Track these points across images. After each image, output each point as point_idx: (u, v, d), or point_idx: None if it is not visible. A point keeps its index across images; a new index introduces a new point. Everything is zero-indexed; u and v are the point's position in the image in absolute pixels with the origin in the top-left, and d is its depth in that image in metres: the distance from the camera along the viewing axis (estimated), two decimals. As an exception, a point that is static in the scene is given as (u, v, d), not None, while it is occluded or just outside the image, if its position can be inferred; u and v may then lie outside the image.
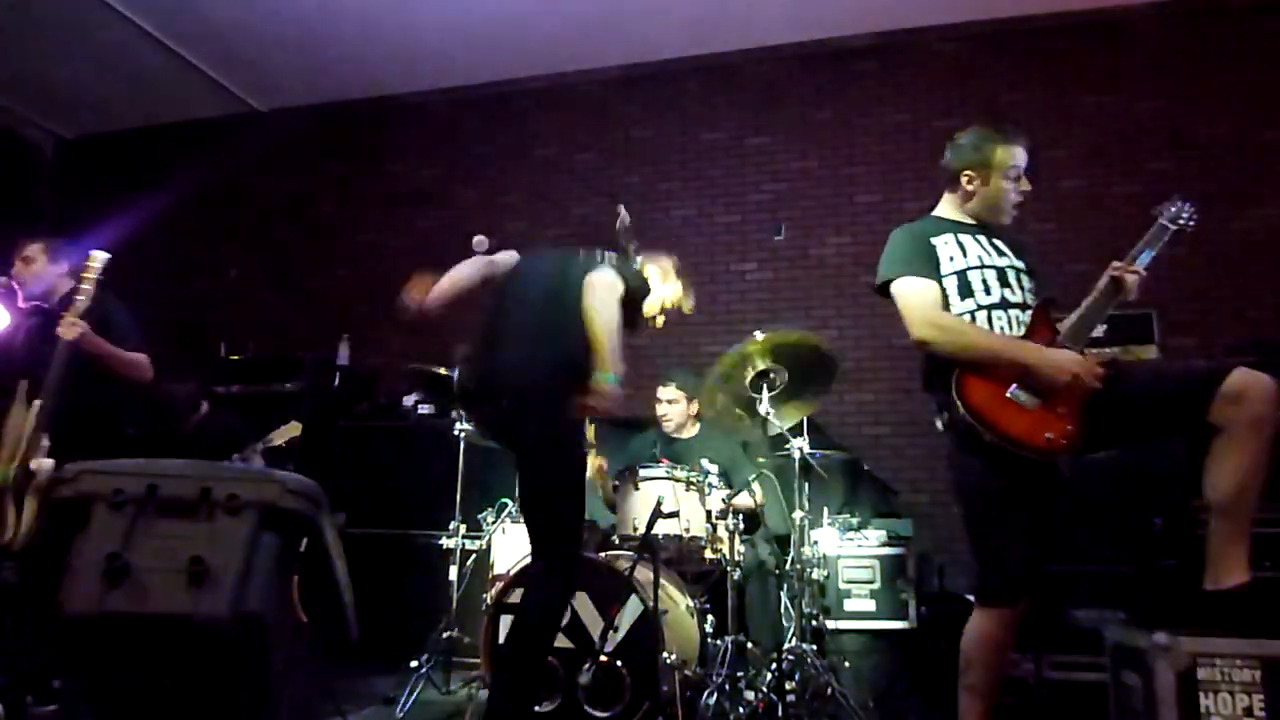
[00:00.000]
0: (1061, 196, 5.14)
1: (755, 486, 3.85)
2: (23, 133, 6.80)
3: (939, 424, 2.51)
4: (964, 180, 2.65)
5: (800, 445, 3.68)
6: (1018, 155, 2.60)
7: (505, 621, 3.15)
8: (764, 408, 3.52)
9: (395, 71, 6.13)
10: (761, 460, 4.08)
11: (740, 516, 3.61)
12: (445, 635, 3.68)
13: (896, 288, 2.54)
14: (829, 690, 3.37)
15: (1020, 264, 2.56)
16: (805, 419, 3.95)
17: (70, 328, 3.33)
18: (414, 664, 3.61)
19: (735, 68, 5.88)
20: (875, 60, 5.66)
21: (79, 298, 3.40)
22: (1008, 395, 2.33)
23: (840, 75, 5.71)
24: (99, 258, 3.48)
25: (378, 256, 6.24)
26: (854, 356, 5.33)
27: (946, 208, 2.73)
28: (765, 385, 3.57)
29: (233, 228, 6.70)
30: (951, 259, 2.54)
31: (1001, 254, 2.56)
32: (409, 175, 6.40)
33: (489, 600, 3.36)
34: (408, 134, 6.45)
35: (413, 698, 3.50)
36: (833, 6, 5.37)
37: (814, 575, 3.80)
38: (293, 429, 3.92)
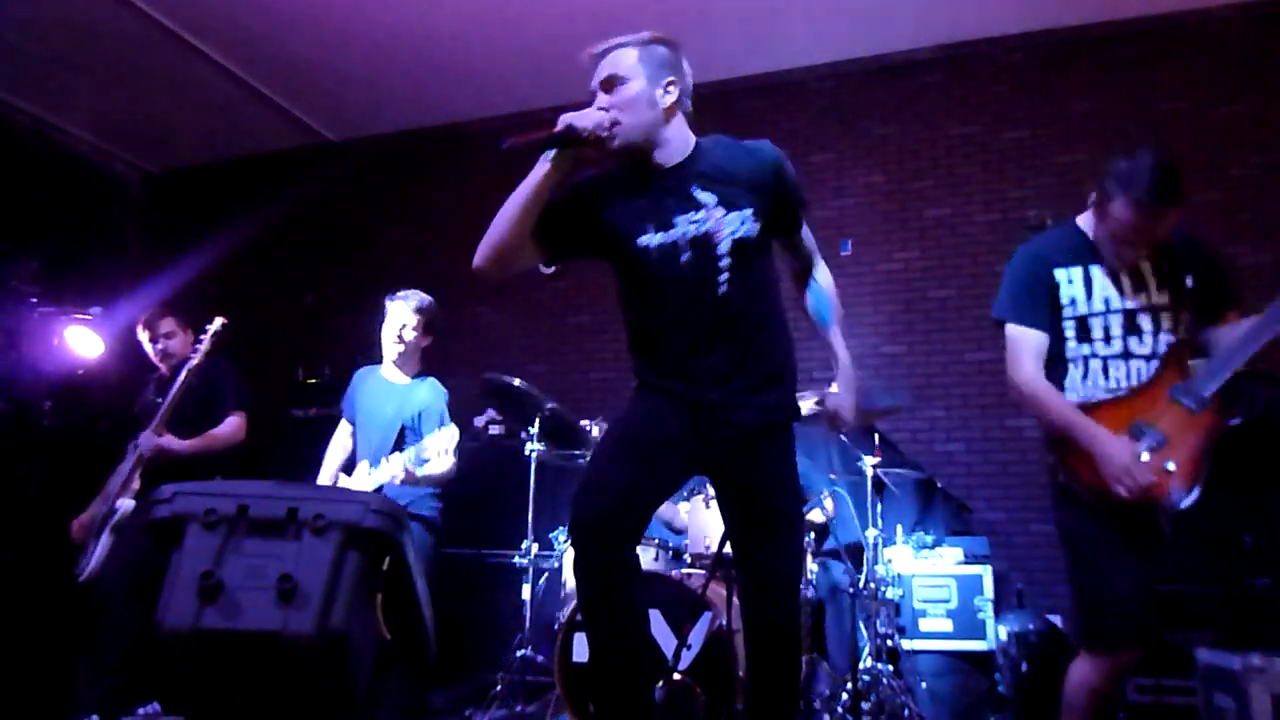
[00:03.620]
0: (1138, 205, 5.00)
1: (826, 502, 3.82)
2: (110, 168, 7.11)
3: (1047, 461, 2.41)
4: (1092, 208, 2.37)
5: (872, 462, 3.65)
6: (1143, 222, 2.25)
7: (578, 640, 3.18)
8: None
9: (464, 98, 6.26)
10: (832, 476, 4.05)
11: (811, 532, 3.59)
12: (520, 654, 3.72)
13: (1006, 331, 2.44)
14: (905, 711, 3.32)
15: (1163, 299, 2.32)
16: (876, 436, 3.92)
17: (149, 442, 3.57)
18: (490, 682, 3.65)
19: (798, 84, 5.88)
20: (941, 72, 5.61)
21: (190, 363, 3.67)
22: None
23: (906, 88, 5.66)
24: (217, 324, 3.72)
25: (446, 280, 6.35)
26: (924, 372, 5.26)
27: (1088, 218, 2.43)
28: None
29: (308, 255, 6.90)
30: (1073, 301, 2.36)
31: (1139, 289, 2.33)
32: (477, 200, 6.51)
33: (562, 619, 3.39)
34: (477, 159, 6.58)
35: (487, 714, 3.55)
36: (896, 19, 5.33)
37: (889, 594, 3.75)
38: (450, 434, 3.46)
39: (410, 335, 3.65)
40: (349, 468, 3.62)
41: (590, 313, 5.94)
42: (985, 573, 4.09)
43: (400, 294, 3.73)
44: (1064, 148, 5.18)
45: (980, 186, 5.35)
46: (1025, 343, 2.38)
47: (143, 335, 3.89)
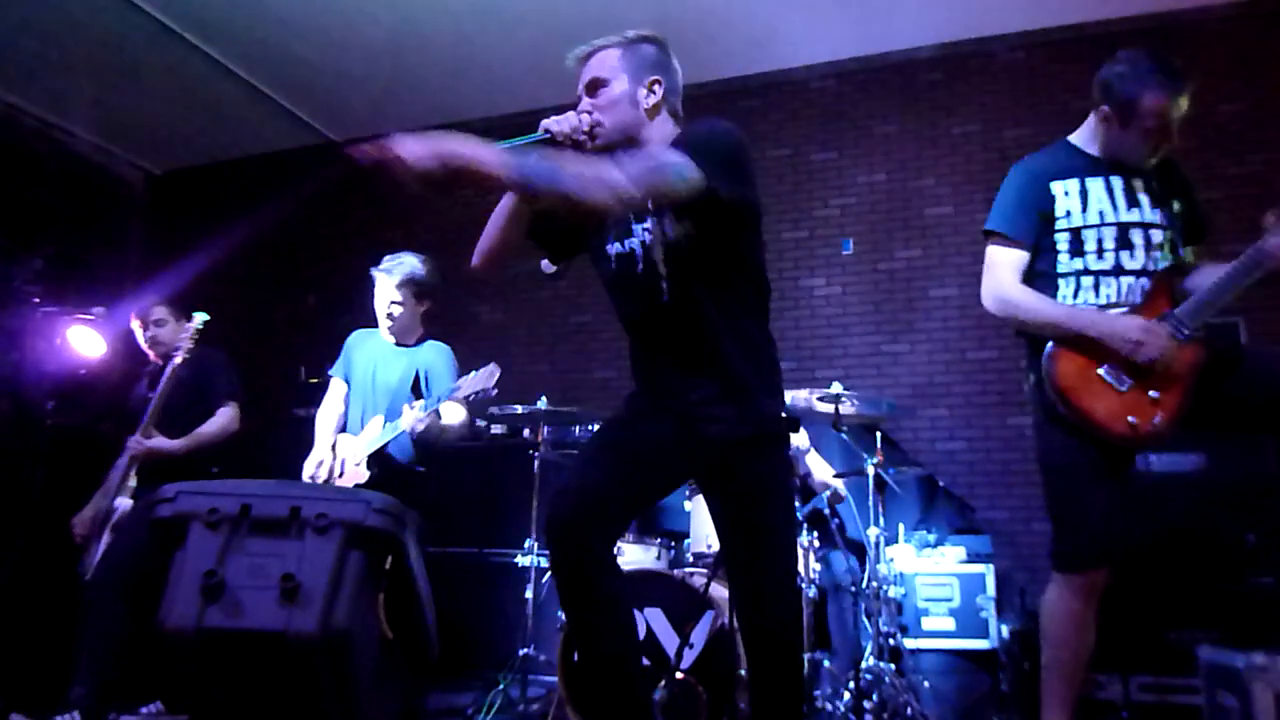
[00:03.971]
0: (1140, 203, 5.01)
1: (838, 484, 3.83)
2: (114, 168, 7.12)
3: (1025, 386, 2.43)
4: (1099, 115, 2.40)
5: (874, 461, 3.65)
6: (1172, 108, 2.33)
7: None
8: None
9: (465, 97, 6.27)
10: (835, 476, 4.05)
11: (834, 519, 3.60)
12: (522, 653, 3.72)
13: (988, 246, 2.46)
14: (908, 710, 3.32)
15: (1154, 217, 2.36)
16: (879, 434, 3.92)
17: (138, 446, 3.58)
18: (492, 681, 3.66)
19: (799, 83, 5.88)
20: (942, 71, 5.61)
21: (175, 359, 3.67)
22: (1099, 372, 2.25)
23: (907, 87, 5.66)
24: (199, 319, 3.74)
25: (448, 280, 6.36)
26: (926, 371, 5.26)
27: (1084, 135, 2.48)
28: (836, 405, 3.55)
29: (310, 255, 6.91)
30: (1069, 213, 2.38)
31: (1133, 204, 2.37)
32: (477, 200, 6.52)
33: (564, 618, 3.39)
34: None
35: (490, 714, 3.55)
36: (897, 18, 5.33)
37: (891, 593, 3.75)
38: (487, 375, 3.34)
39: (399, 311, 3.60)
40: (343, 429, 3.61)
41: (593, 312, 5.94)
42: (988, 571, 4.09)
43: (384, 263, 3.63)
44: (1066, 146, 5.17)
45: (982, 185, 5.35)
46: (1007, 258, 2.41)
47: (135, 324, 3.90)
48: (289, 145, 6.98)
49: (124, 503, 3.58)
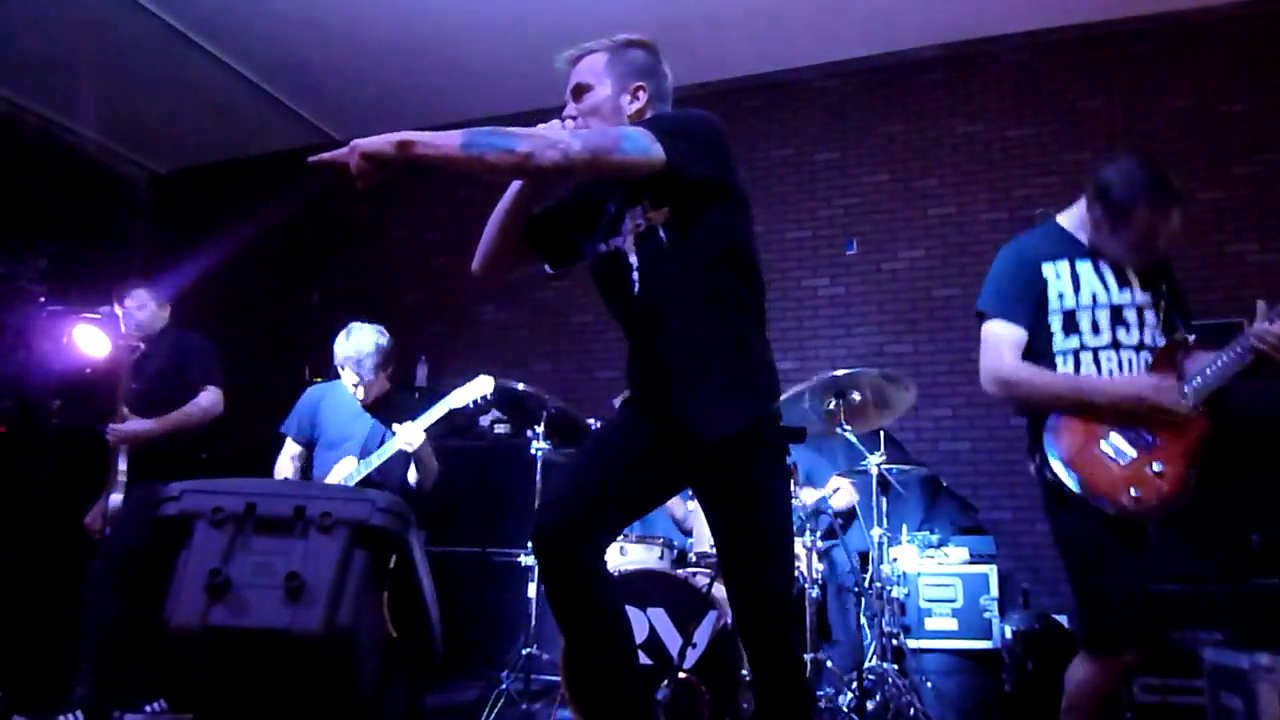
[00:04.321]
0: (1143, 204, 5.01)
1: (847, 485, 3.82)
2: (118, 168, 7.14)
3: (1031, 468, 2.40)
4: (1092, 216, 2.37)
5: (877, 461, 3.65)
6: (1163, 225, 2.28)
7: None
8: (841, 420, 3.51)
9: (470, 97, 6.27)
10: (839, 476, 4.06)
11: (836, 519, 3.59)
12: (525, 652, 3.73)
13: (984, 328, 2.43)
14: (910, 710, 3.32)
15: (1145, 298, 2.35)
16: (882, 434, 3.92)
17: (114, 434, 3.56)
18: (495, 680, 3.66)
19: (803, 83, 5.88)
20: (945, 71, 5.61)
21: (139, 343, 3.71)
22: (1101, 447, 2.22)
23: (910, 87, 5.66)
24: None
25: (451, 279, 6.39)
26: (930, 371, 5.26)
27: (1073, 220, 2.46)
28: (843, 403, 3.55)
29: (315, 254, 6.92)
30: (1061, 295, 2.36)
31: (1124, 286, 2.35)
32: (483, 199, 6.52)
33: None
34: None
35: (493, 713, 3.55)
36: (900, 18, 5.33)
37: (894, 593, 3.75)
38: (480, 385, 3.44)
39: (363, 394, 3.61)
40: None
41: (595, 311, 5.93)
42: (991, 572, 4.09)
43: (340, 354, 3.57)
44: (1069, 146, 5.17)
45: (985, 185, 5.35)
46: (1005, 337, 2.37)
47: (117, 309, 3.88)
48: (293, 145, 6.98)
49: (117, 497, 3.58)
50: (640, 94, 2.11)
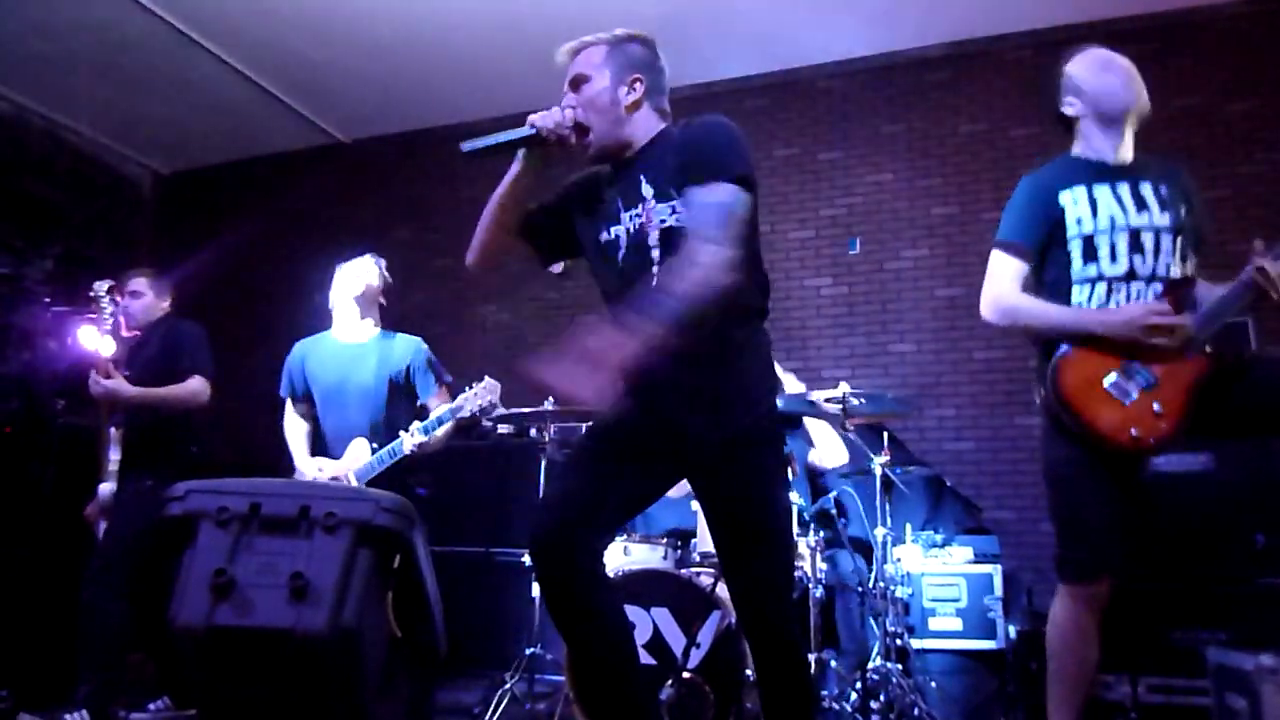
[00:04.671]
0: (1148, 203, 5.01)
1: (838, 442, 3.82)
2: (122, 169, 7.16)
3: (1036, 397, 2.43)
4: (1082, 120, 2.46)
5: (881, 460, 3.65)
6: (1105, 78, 2.41)
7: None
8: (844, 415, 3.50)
9: (472, 98, 6.28)
10: (842, 476, 4.05)
11: (822, 533, 3.59)
12: (529, 651, 3.73)
13: (991, 256, 2.48)
14: (915, 710, 3.32)
15: (1164, 220, 2.34)
16: (886, 434, 3.91)
17: (97, 386, 3.49)
18: (499, 680, 3.66)
19: (806, 83, 5.88)
20: (948, 70, 5.60)
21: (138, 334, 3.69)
22: (1105, 385, 2.25)
23: (913, 87, 5.66)
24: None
25: (456, 279, 6.40)
26: (933, 371, 5.26)
27: (1081, 145, 2.51)
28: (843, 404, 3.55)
29: (318, 254, 6.90)
30: (1079, 220, 2.37)
31: (1142, 208, 2.35)
32: (485, 199, 6.53)
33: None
34: (485, 159, 6.59)
35: (497, 712, 3.56)
36: (904, 18, 5.33)
37: (898, 593, 3.75)
38: (488, 390, 3.38)
39: (375, 285, 3.65)
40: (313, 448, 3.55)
41: (598, 312, 5.94)
42: (995, 572, 4.08)
43: (347, 290, 3.67)
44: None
45: (989, 184, 5.34)
46: (1007, 268, 2.43)
47: (118, 298, 3.82)
48: (296, 145, 7.00)
49: (106, 489, 3.57)
50: (637, 85, 2.16)
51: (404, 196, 6.82)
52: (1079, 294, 2.37)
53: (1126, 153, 2.44)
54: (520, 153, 2.18)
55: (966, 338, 5.20)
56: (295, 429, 3.61)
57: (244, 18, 5.38)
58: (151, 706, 3.64)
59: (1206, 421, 2.25)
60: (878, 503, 3.64)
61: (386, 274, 3.72)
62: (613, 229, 2.10)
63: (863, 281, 5.57)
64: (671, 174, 2.03)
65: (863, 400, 3.68)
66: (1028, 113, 5.34)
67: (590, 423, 2.19)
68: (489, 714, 3.55)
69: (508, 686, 3.65)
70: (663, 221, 2.02)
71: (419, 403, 3.54)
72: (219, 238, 6.61)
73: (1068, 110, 2.48)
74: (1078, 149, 2.51)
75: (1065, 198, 2.40)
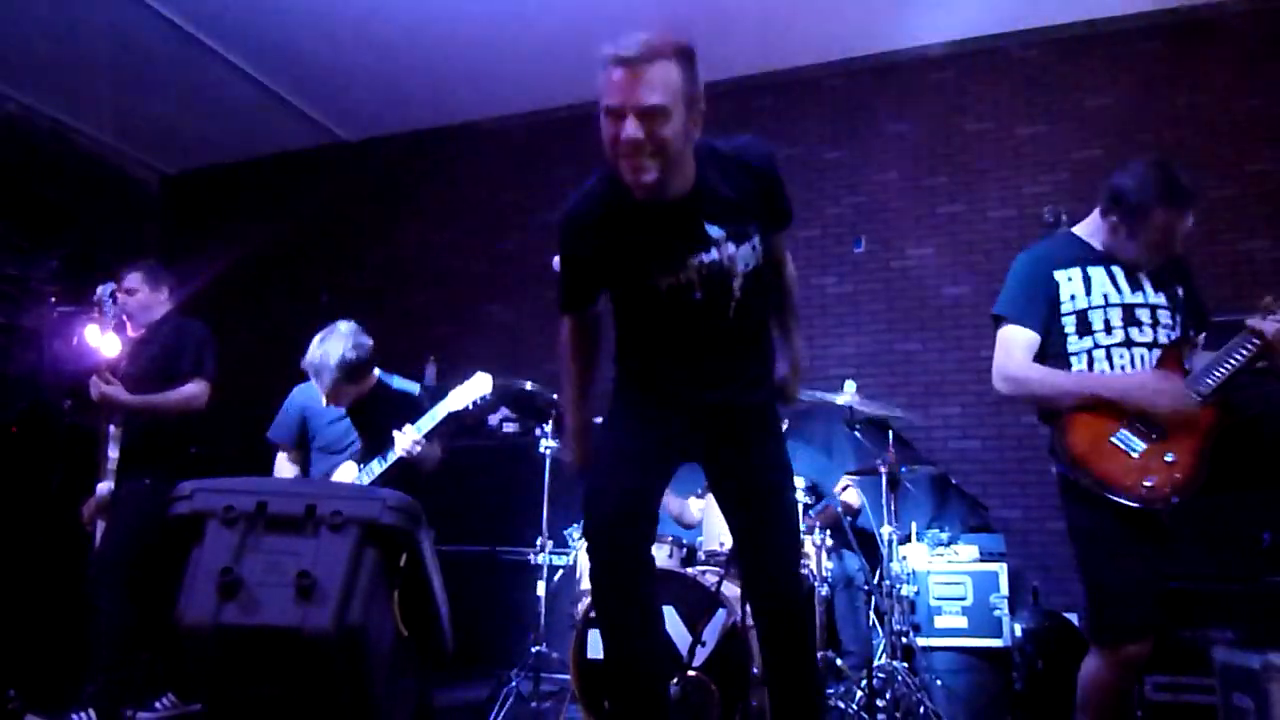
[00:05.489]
0: (1154, 201, 4.99)
1: (849, 493, 3.82)
2: (128, 170, 7.17)
3: (1053, 470, 2.43)
4: (1107, 222, 2.43)
5: (887, 459, 3.64)
6: (1179, 224, 2.34)
7: (592, 636, 3.19)
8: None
9: (478, 97, 6.28)
10: (849, 474, 4.05)
11: (827, 530, 3.59)
12: (534, 650, 3.73)
13: (999, 332, 2.50)
14: (921, 709, 3.32)
15: (1160, 299, 2.39)
16: (891, 433, 3.91)
17: (96, 387, 3.49)
18: (505, 678, 3.67)
19: (811, 82, 5.87)
20: (955, 69, 5.59)
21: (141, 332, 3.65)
22: (1112, 440, 2.26)
23: (918, 85, 5.65)
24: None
25: (460, 279, 6.40)
26: (939, 369, 5.25)
27: (1088, 228, 2.53)
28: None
29: (324, 254, 6.94)
30: (1073, 297, 2.42)
31: (1136, 289, 2.41)
32: (489, 199, 6.55)
33: (577, 615, 3.40)
34: (490, 158, 6.60)
35: (503, 710, 3.56)
36: (909, 16, 5.32)
37: (904, 591, 3.74)
38: (478, 384, 3.35)
39: (350, 399, 3.43)
40: None
41: (603, 311, 5.95)
42: (1001, 570, 4.07)
43: (310, 361, 3.38)
44: (1079, 143, 5.15)
45: (995, 183, 5.33)
46: (1018, 339, 2.44)
47: (119, 294, 3.81)
48: (302, 145, 7.01)
49: (104, 487, 3.56)
50: (698, 123, 1.93)
51: (409, 196, 6.82)
52: (1078, 364, 2.40)
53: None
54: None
55: (972, 336, 5.19)
56: (285, 476, 3.58)
57: (250, 18, 5.39)
58: (158, 705, 3.65)
59: (1222, 477, 2.24)
60: (884, 501, 3.63)
61: (344, 378, 3.34)
62: (678, 275, 2.03)
63: (868, 280, 5.56)
64: (746, 214, 2.06)
65: (868, 400, 3.68)
66: (1033, 111, 5.34)
67: (618, 405, 2.23)
68: (495, 712, 3.55)
69: (513, 685, 3.66)
70: (746, 265, 2.07)
71: None
72: (225, 237, 6.62)
73: (1105, 215, 2.44)
74: (1082, 231, 2.54)
75: (1060, 275, 2.45)
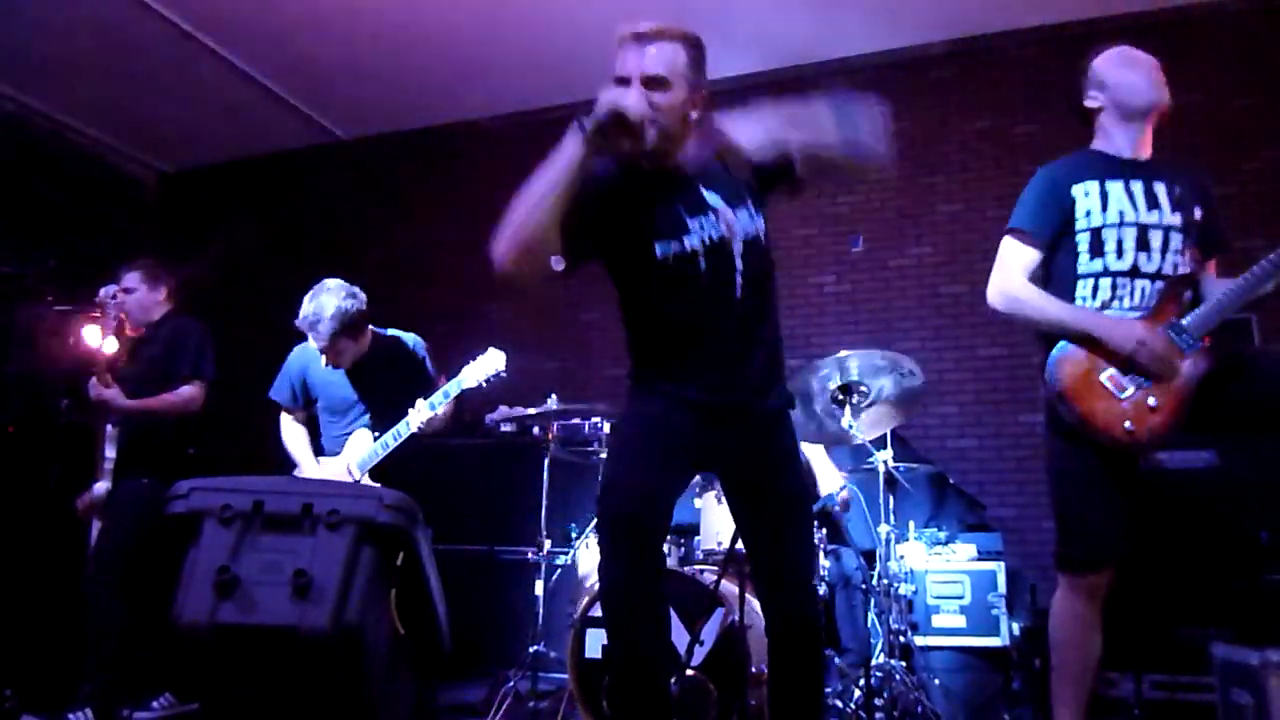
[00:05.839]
0: (1152, 199, 5.00)
1: (841, 494, 3.81)
2: (126, 168, 7.16)
3: (1041, 390, 2.45)
4: (1101, 115, 2.52)
5: (884, 458, 3.64)
6: (1131, 73, 2.45)
7: (590, 636, 3.19)
8: (846, 421, 3.49)
9: (475, 96, 6.28)
10: (845, 473, 4.05)
11: (823, 530, 3.59)
12: (532, 650, 3.73)
13: (1002, 243, 2.51)
14: (919, 708, 3.32)
15: (1175, 220, 2.37)
16: (889, 432, 3.91)
17: (95, 390, 3.50)
18: (503, 678, 3.66)
19: (809, 81, 5.87)
20: (953, 67, 5.59)
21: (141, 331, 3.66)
22: (1101, 379, 2.27)
23: (917, 84, 5.65)
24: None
25: (457, 279, 6.39)
26: (937, 368, 5.24)
27: (1100, 140, 2.56)
28: (848, 399, 3.54)
29: (321, 253, 6.92)
30: (1089, 213, 2.41)
31: (1153, 206, 2.38)
32: (487, 198, 6.53)
33: (575, 615, 3.40)
34: (488, 157, 6.59)
35: (501, 711, 3.56)
36: (907, 15, 5.32)
37: (901, 590, 3.74)
38: (492, 360, 3.33)
39: (349, 355, 3.40)
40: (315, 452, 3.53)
41: (601, 310, 5.94)
42: (998, 569, 4.07)
43: (304, 320, 3.39)
44: (1078, 141, 5.09)
45: (993, 181, 5.33)
46: (1020, 256, 2.46)
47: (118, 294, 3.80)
48: (300, 144, 7.00)
49: (99, 488, 3.56)
50: (700, 105, 2.13)
51: (406, 195, 6.81)
52: (1083, 288, 2.40)
53: (1145, 150, 2.47)
54: (587, 128, 1.95)
55: (970, 335, 5.19)
56: (295, 436, 3.60)
57: (247, 17, 5.39)
58: (155, 704, 3.65)
59: (1208, 418, 2.27)
60: (881, 500, 3.63)
61: (340, 332, 3.35)
62: (682, 243, 2.07)
63: (866, 279, 5.56)
64: (739, 179, 2.13)
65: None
66: (1032, 110, 5.33)
67: (634, 407, 2.20)
68: (492, 712, 3.55)
69: (511, 685, 3.65)
70: (745, 231, 2.10)
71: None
72: (222, 236, 6.61)
73: (1090, 103, 2.53)
74: (1097, 143, 2.55)
75: (1078, 190, 2.43)
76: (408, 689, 2.49)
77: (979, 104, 5.50)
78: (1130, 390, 2.25)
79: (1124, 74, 2.45)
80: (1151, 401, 2.23)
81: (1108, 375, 2.27)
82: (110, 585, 3.43)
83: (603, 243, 2.16)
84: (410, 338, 3.61)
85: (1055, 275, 2.45)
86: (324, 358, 3.41)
